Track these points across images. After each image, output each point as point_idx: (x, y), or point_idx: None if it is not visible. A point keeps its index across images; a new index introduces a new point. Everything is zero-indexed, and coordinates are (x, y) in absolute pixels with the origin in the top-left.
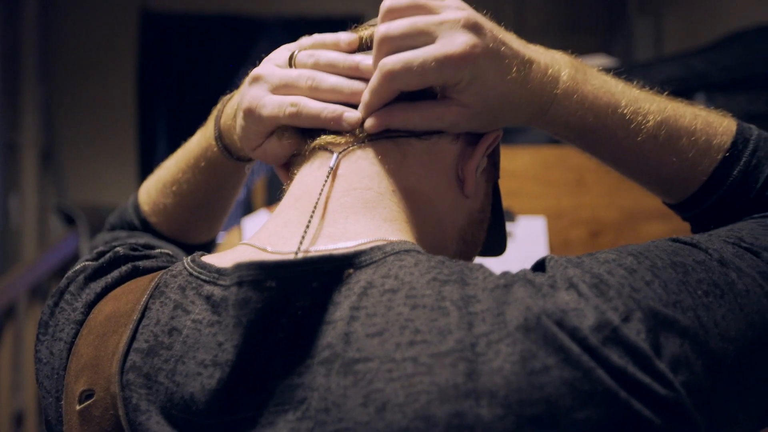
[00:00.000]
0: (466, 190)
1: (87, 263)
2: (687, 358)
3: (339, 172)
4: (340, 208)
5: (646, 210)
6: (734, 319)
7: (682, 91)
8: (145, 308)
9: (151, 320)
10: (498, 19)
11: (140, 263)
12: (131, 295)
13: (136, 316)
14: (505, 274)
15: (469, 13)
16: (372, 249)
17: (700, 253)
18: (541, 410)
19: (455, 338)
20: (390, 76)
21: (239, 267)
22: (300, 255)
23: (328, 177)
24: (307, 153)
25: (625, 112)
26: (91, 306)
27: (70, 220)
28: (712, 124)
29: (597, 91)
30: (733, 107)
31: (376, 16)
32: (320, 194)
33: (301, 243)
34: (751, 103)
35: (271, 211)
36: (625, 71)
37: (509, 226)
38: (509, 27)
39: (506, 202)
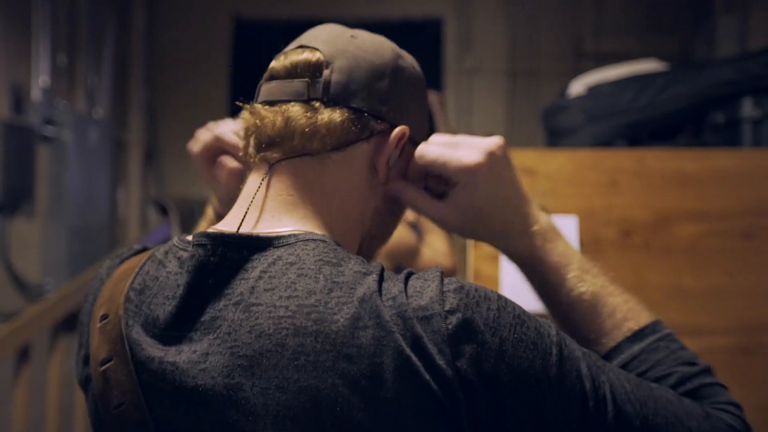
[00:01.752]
0: (380, 179)
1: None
2: (478, 361)
3: (272, 181)
4: (269, 209)
5: (679, 211)
6: (529, 373)
7: (732, 94)
8: (143, 266)
9: (143, 272)
10: (577, 22)
11: (149, 248)
12: (137, 259)
13: (136, 270)
14: (370, 265)
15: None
16: (288, 236)
17: (551, 340)
18: (353, 352)
19: (316, 298)
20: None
21: (197, 236)
22: (237, 233)
23: (261, 184)
24: (253, 166)
25: (569, 276)
26: (112, 269)
27: (164, 210)
28: (634, 310)
29: (559, 249)
30: None
31: (455, 18)
32: (254, 197)
33: (239, 227)
34: None
35: None
36: (680, 72)
37: None
38: (588, 27)
39: (541, 203)
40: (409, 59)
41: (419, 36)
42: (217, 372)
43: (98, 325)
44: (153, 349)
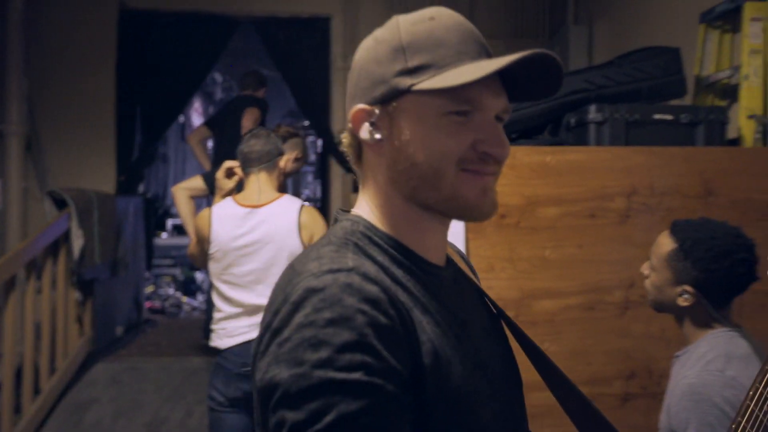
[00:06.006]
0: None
1: None
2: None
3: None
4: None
5: (542, 196)
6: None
7: (581, 100)
8: None
9: None
10: None
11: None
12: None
13: None
14: (340, 242)
15: None
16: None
17: None
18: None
19: (303, 268)
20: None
21: None
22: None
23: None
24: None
25: None
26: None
27: (60, 204)
28: None
29: None
30: (617, 116)
31: (342, 16)
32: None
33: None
34: (631, 113)
35: (234, 199)
36: None
37: None
38: None
39: None
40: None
41: (307, 33)
42: None
43: None
44: None
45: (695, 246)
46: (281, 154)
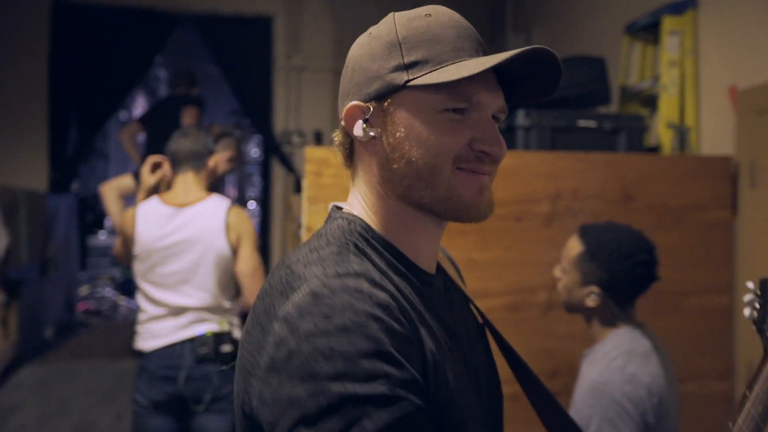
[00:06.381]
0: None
1: None
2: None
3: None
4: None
5: None
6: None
7: (509, 108)
8: None
9: None
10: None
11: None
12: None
13: None
14: (340, 243)
15: None
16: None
17: None
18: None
19: (304, 271)
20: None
21: None
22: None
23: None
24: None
25: None
26: None
27: None
28: None
29: None
30: (543, 121)
31: (284, 16)
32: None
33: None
34: (557, 119)
35: (161, 197)
36: None
37: None
38: None
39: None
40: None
41: (250, 32)
42: None
43: None
44: None
45: (600, 248)
46: (211, 153)
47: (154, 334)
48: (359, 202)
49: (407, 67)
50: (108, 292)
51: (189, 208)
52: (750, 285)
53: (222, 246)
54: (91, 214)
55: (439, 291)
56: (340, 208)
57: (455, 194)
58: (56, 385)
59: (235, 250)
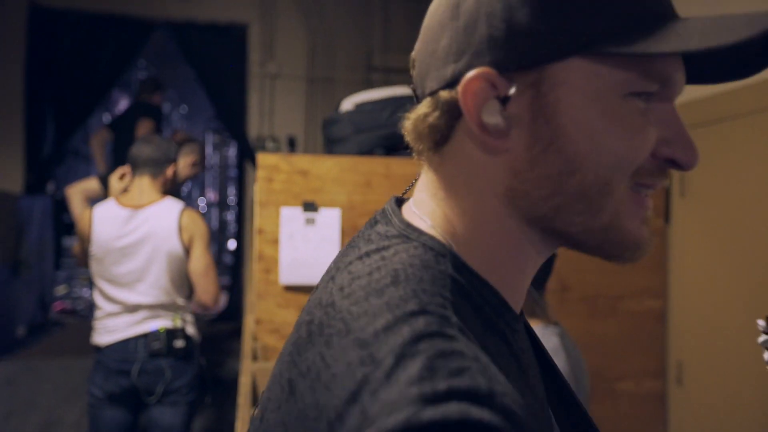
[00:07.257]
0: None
1: None
2: None
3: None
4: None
5: None
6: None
7: None
8: None
9: None
10: (368, 37)
11: None
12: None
13: None
14: (431, 300)
15: None
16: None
17: None
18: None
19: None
20: None
21: None
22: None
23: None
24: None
25: None
26: None
27: None
28: None
29: None
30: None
31: (259, 25)
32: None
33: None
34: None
35: (117, 200)
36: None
37: (312, 215)
38: (377, 44)
39: (311, 198)
40: None
41: (225, 40)
42: None
43: None
44: None
45: None
46: (170, 162)
47: (110, 330)
48: (447, 216)
49: (594, 21)
50: (84, 292)
51: (144, 209)
52: (761, 324)
53: (175, 246)
54: (68, 215)
55: (523, 335)
56: (399, 207)
57: (618, 226)
58: (24, 382)
59: (188, 250)
